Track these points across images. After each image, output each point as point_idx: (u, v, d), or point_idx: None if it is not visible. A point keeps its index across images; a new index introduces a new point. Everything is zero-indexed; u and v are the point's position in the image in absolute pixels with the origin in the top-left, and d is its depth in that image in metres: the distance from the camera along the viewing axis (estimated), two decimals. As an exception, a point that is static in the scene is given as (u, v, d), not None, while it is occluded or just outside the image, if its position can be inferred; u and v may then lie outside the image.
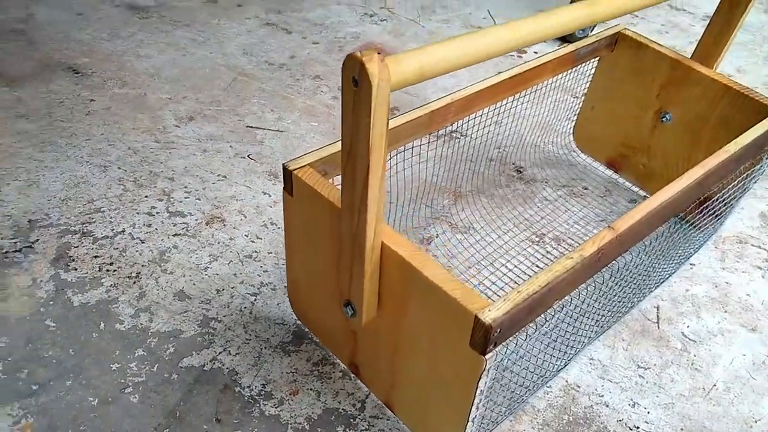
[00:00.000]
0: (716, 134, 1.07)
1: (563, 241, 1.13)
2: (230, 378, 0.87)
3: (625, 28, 1.14)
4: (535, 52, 1.69)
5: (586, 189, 1.26)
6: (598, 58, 1.17)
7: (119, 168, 1.21)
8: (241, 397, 0.85)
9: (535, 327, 0.69)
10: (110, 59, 1.51)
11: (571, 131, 1.32)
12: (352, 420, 0.83)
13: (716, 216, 1.09)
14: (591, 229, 1.16)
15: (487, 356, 0.61)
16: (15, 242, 1.03)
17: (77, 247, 1.03)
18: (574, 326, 0.85)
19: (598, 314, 0.93)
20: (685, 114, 1.10)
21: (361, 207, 0.62)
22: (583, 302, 0.82)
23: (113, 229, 1.07)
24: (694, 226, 1.07)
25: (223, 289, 0.99)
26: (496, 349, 0.62)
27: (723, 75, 1.05)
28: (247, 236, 1.08)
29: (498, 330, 0.59)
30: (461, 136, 1.37)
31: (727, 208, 1.10)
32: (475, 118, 1.05)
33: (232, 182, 1.20)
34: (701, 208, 1.02)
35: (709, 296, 1.05)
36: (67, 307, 0.94)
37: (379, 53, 0.55)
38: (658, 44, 1.11)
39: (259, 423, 0.82)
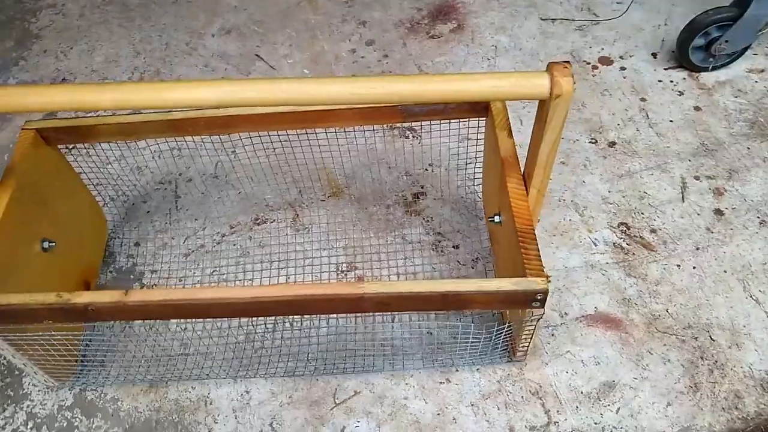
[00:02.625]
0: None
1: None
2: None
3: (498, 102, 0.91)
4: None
5: (455, 248, 1.12)
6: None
7: (144, 59, 1.51)
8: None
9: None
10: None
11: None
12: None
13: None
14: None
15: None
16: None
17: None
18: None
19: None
20: (507, 222, 0.89)
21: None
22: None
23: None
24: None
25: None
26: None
27: (526, 206, 0.81)
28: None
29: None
30: (413, 137, 1.29)
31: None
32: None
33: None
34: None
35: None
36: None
37: None
38: (508, 134, 0.88)
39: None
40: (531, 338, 0.88)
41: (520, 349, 0.92)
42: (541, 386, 0.96)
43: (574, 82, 0.67)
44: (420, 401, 0.96)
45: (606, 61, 1.40)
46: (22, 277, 0.88)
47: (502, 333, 0.86)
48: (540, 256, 0.78)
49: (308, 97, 0.68)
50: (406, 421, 0.94)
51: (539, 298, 0.76)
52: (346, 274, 1.10)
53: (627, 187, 1.18)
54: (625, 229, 1.13)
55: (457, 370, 0.99)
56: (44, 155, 0.96)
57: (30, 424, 0.97)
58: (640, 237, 1.11)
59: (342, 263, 1.12)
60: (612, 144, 1.25)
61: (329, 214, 1.19)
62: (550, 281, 0.76)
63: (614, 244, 1.11)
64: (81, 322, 0.80)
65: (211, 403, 0.98)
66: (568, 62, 0.67)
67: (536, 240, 0.79)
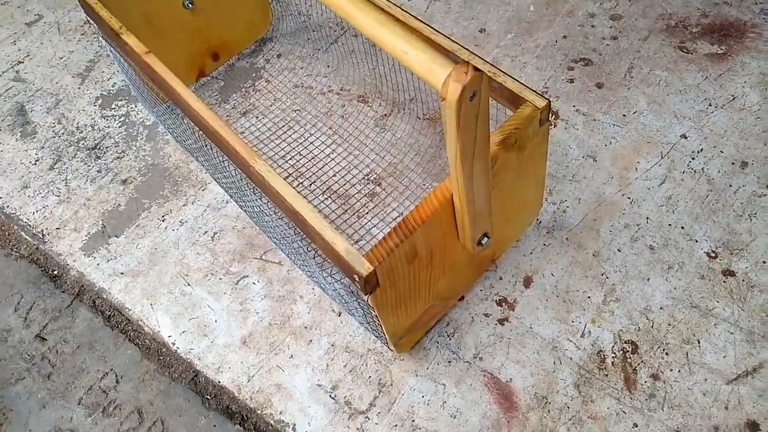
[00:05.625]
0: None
1: (383, 186, 1.09)
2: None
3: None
4: None
5: (463, 233, 1.03)
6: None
7: None
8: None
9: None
10: None
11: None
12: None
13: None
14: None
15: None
16: None
17: None
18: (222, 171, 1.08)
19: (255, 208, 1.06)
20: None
21: None
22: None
23: None
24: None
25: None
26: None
27: (433, 205, 0.72)
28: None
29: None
30: (567, 126, 1.16)
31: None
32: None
33: None
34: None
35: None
36: None
37: None
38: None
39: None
40: (381, 328, 0.83)
41: (385, 338, 0.87)
42: (392, 385, 0.91)
43: (474, 95, 0.57)
44: (306, 308, 1.00)
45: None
46: (159, 18, 1.12)
47: (359, 307, 0.83)
48: (392, 252, 0.71)
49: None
50: (282, 311, 1.00)
51: (357, 280, 0.71)
52: (366, 184, 1.13)
53: (687, 320, 0.92)
54: (628, 349, 0.91)
55: (351, 314, 0.98)
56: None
57: (122, 119, 1.28)
58: (633, 370, 0.89)
59: (373, 173, 1.13)
60: (729, 273, 0.96)
61: (409, 131, 1.18)
62: (374, 277, 0.70)
63: (600, 351, 0.91)
64: (122, 51, 0.99)
65: (203, 190, 1.16)
66: (479, 70, 0.56)
67: (405, 238, 0.72)
